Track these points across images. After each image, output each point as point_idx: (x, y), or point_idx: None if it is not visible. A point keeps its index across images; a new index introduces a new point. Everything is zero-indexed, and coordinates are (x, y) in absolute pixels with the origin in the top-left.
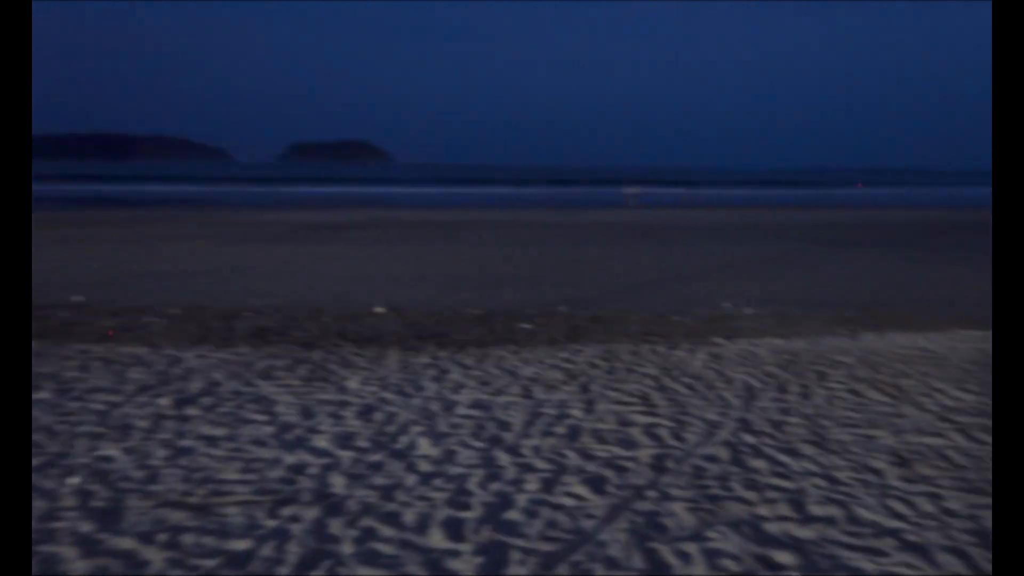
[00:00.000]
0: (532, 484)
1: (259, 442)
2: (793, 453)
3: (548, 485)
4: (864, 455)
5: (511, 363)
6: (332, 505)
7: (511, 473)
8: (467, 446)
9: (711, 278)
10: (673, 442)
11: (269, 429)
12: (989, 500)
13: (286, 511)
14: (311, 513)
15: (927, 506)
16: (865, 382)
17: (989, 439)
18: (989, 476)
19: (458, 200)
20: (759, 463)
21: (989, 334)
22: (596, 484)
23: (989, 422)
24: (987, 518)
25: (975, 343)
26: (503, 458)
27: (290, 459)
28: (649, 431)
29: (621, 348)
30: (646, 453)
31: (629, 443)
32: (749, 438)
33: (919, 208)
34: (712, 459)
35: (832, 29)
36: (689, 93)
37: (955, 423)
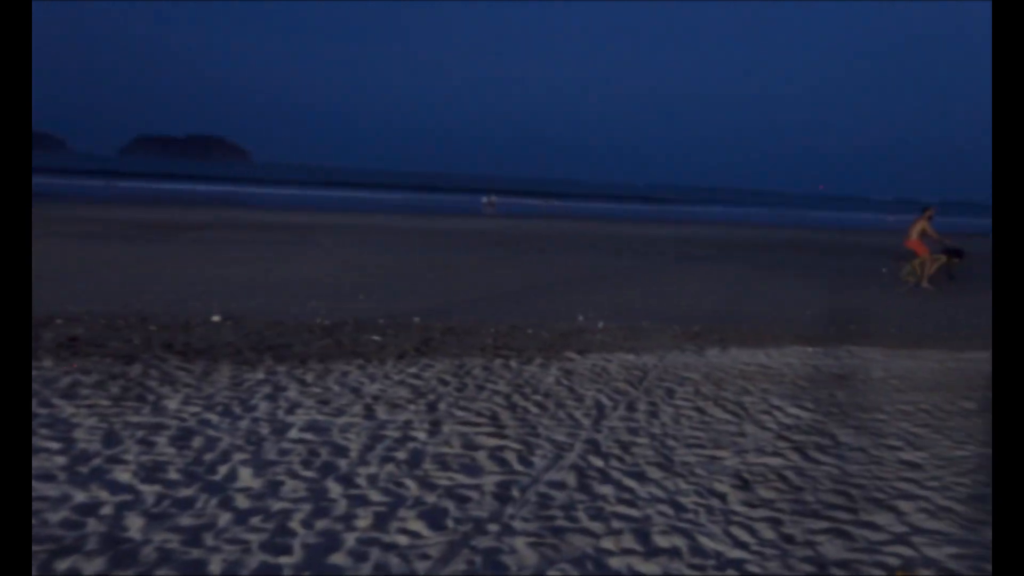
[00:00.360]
0: (364, 520)
1: (46, 476)
2: (640, 477)
3: (382, 521)
4: (708, 478)
5: (355, 379)
6: (122, 555)
7: (341, 507)
8: (295, 476)
9: (567, 290)
10: (520, 467)
11: (61, 460)
12: (824, 525)
13: (62, 564)
14: (92, 566)
15: (768, 533)
16: (710, 399)
17: (824, 458)
18: (823, 499)
19: (315, 203)
20: (606, 489)
21: (820, 350)
22: (435, 518)
23: (824, 440)
24: (823, 544)
25: (808, 359)
26: (334, 489)
27: (80, 497)
28: (496, 455)
29: (473, 362)
30: (491, 481)
31: (474, 470)
32: (597, 461)
33: (772, 227)
34: (559, 486)
35: (703, 45)
36: (564, 106)
37: (792, 441)
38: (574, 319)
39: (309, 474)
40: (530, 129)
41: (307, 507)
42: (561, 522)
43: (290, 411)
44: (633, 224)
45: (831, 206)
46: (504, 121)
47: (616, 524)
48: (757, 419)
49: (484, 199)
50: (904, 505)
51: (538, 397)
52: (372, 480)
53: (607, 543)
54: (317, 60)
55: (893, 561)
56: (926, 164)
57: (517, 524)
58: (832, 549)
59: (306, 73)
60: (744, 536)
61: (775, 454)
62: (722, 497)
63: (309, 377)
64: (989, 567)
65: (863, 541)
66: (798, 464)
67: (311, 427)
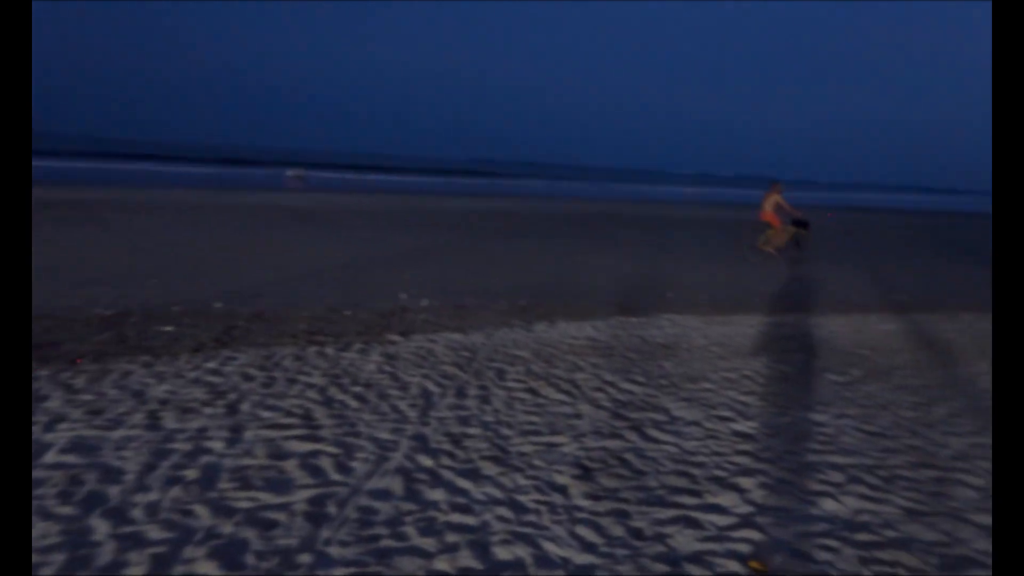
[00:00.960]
0: (137, 568)
1: None
2: (475, 476)
3: (160, 565)
4: (548, 469)
5: (139, 380)
6: None
7: (107, 553)
8: (47, 515)
9: (388, 267)
10: (337, 476)
11: None
12: (672, 513)
13: None
14: None
15: (616, 529)
16: (542, 379)
17: (662, 436)
18: (667, 482)
19: (101, 177)
20: (438, 494)
21: (645, 319)
22: (231, 555)
23: (659, 416)
24: (674, 536)
25: (634, 330)
26: (100, 529)
27: None
28: (308, 463)
29: (284, 352)
30: (303, 497)
31: (282, 485)
32: (426, 460)
33: (593, 201)
34: (383, 495)
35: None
36: (386, 81)
37: (628, 420)
38: (396, 298)
39: (66, 511)
40: (344, 102)
41: (60, 556)
42: (387, 542)
43: (49, 427)
44: (456, 198)
45: (641, 179)
46: (321, 94)
47: (451, 538)
48: (591, 397)
49: (289, 172)
50: (745, 482)
51: (358, 388)
52: (151, 511)
53: (442, 563)
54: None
55: (744, 548)
56: (723, 140)
57: (334, 551)
58: (683, 541)
59: (85, 37)
60: (591, 536)
61: (613, 435)
62: (564, 491)
63: (79, 381)
64: (834, 543)
65: (712, 528)
66: (637, 445)
67: (75, 446)
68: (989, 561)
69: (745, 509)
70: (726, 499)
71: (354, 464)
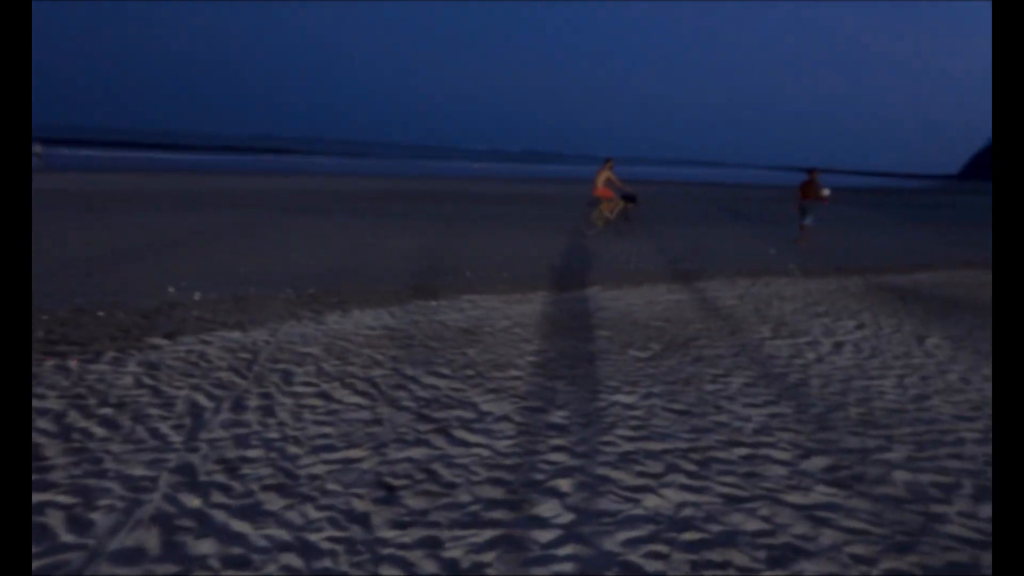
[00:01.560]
0: None
1: None
2: (255, 514)
3: None
4: (345, 494)
5: None
6: None
7: None
8: None
9: (155, 255)
10: (70, 537)
11: None
12: (490, 534)
13: None
14: None
15: (427, 565)
16: (336, 379)
17: (472, 438)
18: (482, 494)
19: None
20: (206, 546)
21: (445, 302)
22: None
23: (467, 413)
24: (493, 566)
25: (434, 315)
26: None
27: None
28: (33, 522)
29: None
30: None
31: None
32: (193, 500)
33: (389, 178)
34: (132, 558)
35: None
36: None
37: (434, 421)
38: (163, 292)
39: None
40: (104, 69)
41: None
42: None
43: None
44: (241, 176)
45: (430, 155)
46: (73, 60)
47: None
48: (392, 397)
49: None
50: (564, 484)
51: (107, 410)
52: None
53: None
54: None
55: (569, 568)
56: (515, 116)
57: None
58: (505, 569)
59: None
60: None
61: (419, 442)
62: (365, 521)
63: None
64: (663, 548)
65: (535, 548)
66: (446, 451)
67: None
68: (810, 547)
69: (567, 518)
70: (546, 508)
71: (94, 517)
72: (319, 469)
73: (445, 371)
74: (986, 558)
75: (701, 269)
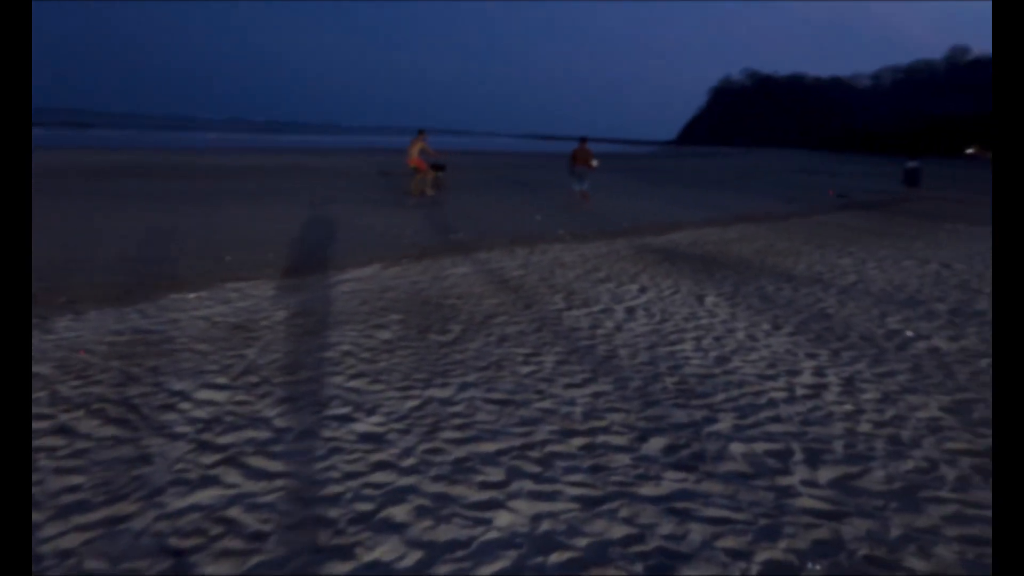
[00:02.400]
0: None
1: None
2: None
3: None
4: (114, 575)
5: None
6: None
7: None
8: None
9: None
10: None
11: None
12: None
13: None
14: None
15: None
16: (80, 407)
17: (272, 466)
18: (297, 543)
19: None
20: None
21: (205, 293)
22: None
23: (261, 433)
24: None
25: (194, 309)
26: None
27: None
28: None
29: None
30: None
31: None
32: None
33: (115, 151)
34: None
35: None
36: None
37: (219, 450)
38: None
39: None
40: None
41: None
42: None
43: None
44: None
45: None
46: None
47: None
48: (158, 423)
49: None
50: (398, 512)
51: None
52: None
53: None
54: None
55: None
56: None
57: None
58: None
59: None
60: None
61: (205, 482)
62: None
63: None
64: None
65: None
66: (243, 488)
67: None
68: (683, 548)
69: (413, 558)
70: (386, 549)
71: None
72: (71, 542)
73: (222, 380)
74: (845, 531)
75: (478, 238)
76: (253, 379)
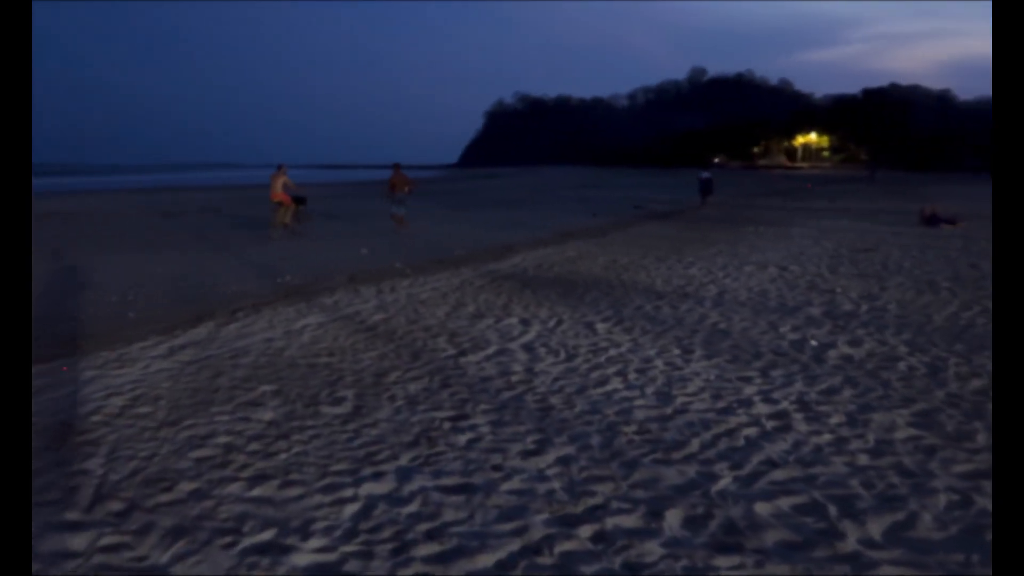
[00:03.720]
0: None
1: None
2: None
3: None
4: None
5: None
6: None
7: None
8: None
9: None
10: None
11: None
12: None
13: None
14: None
15: None
16: None
17: None
18: None
19: None
20: None
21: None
22: None
23: None
24: None
25: None
26: None
27: None
28: None
29: None
30: None
31: None
32: None
33: None
34: None
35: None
36: None
37: None
38: None
39: None
40: None
41: None
42: None
43: None
44: None
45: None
46: None
47: None
48: None
49: None
50: None
51: None
52: None
53: None
54: None
55: None
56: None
57: None
58: None
59: None
60: None
61: None
62: None
63: None
64: None
65: None
66: None
67: None
68: None
69: None
70: None
71: None
72: None
73: (72, 516)
74: None
75: (313, 280)
76: (116, 506)
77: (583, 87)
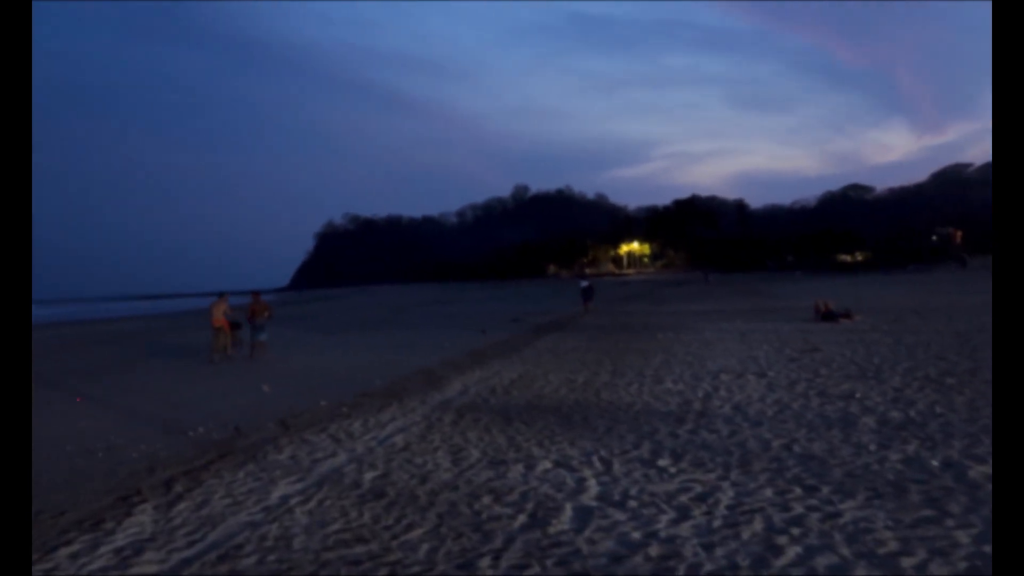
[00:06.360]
0: None
1: None
2: None
3: None
4: None
5: None
6: None
7: None
8: None
9: None
10: None
11: None
12: None
13: None
14: None
15: None
16: None
17: None
18: None
19: None
20: None
21: None
22: None
23: None
24: None
25: None
26: None
27: None
28: None
29: None
30: None
31: None
32: None
33: None
34: None
35: None
36: None
37: None
38: None
39: None
40: None
41: None
42: None
43: None
44: None
45: None
46: None
47: None
48: None
49: None
50: None
51: None
52: None
53: None
54: None
55: None
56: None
57: None
58: None
59: None
60: None
61: None
62: None
63: None
64: None
65: None
66: None
67: None
68: None
69: None
70: None
71: None
72: None
73: None
74: None
75: (233, 434)
76: None
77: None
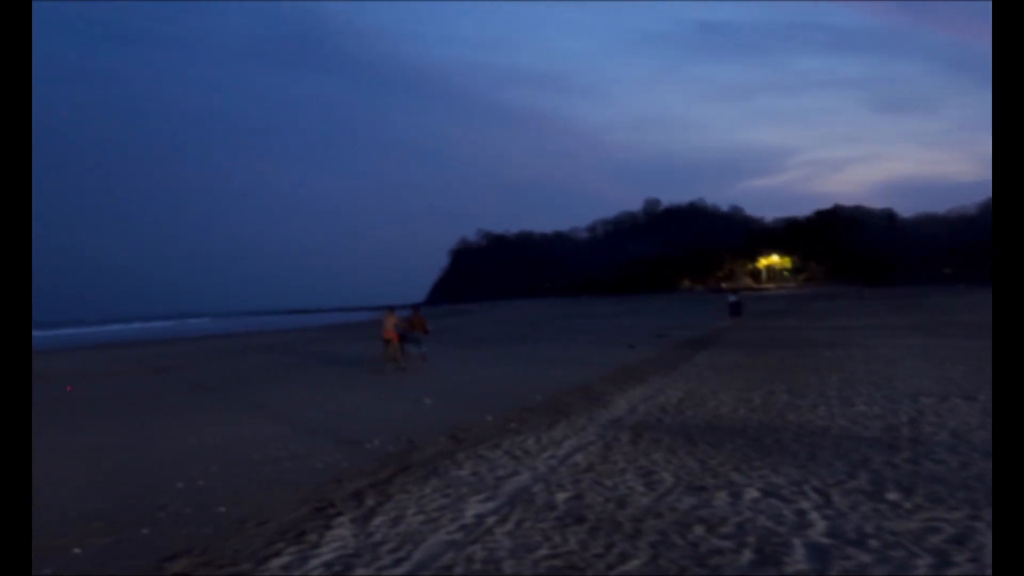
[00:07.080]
0: None
1: None
2: None
3: None
4: None
5: None
6: None
7: None
8: None
9: None
10: None
11: None
12: None
13: None
14: None
15: None
16: None
17: None
18: None
19: None
20: None
21: None
22: None
23: None
24: None
25: None
26: None
27: None
28: None
29: None
30: None
31: None
32: None
33: None
34: None
35: None
36: None
37: None
38: None
39: None
40: None
41: None
42: None
43: None
44: None
45: None
46: None
47: None
48: None
49: None
50: None
51: None
52: None
53: None
54: None
55: None
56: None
57: None
58: None
59: None
60: None
61: None
62: None
63: None
64: None
65: None
66: None
67: None
68: None
69: None
70: None
71: None
72: None
73: None
74: None
75: (408, 445)
76: None
77: (542, 223)
